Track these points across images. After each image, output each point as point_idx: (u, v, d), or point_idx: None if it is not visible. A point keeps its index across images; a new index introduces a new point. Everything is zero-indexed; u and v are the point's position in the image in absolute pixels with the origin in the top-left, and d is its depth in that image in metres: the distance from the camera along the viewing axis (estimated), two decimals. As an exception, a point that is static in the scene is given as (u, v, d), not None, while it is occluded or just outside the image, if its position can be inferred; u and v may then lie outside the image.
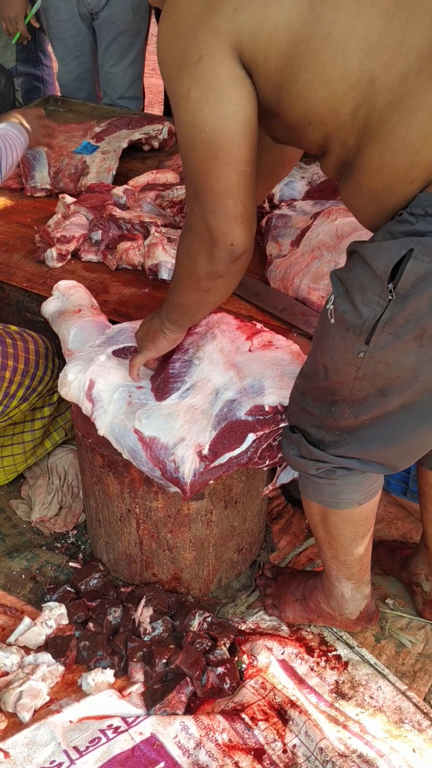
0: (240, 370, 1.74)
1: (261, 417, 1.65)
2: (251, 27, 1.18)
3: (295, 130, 1.30)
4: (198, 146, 1.26)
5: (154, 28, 4.03)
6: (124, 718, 1.65)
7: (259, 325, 1.91)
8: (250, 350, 1.80)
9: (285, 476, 1.84)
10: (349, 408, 1.40)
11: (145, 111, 4.25)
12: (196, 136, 1.25)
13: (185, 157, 1.31)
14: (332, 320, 1.33)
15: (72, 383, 1.75)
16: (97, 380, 1.74)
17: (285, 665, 1.80)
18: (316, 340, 1.43)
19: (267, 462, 1.71)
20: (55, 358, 2.05)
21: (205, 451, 1.62)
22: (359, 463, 1.48)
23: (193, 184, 1.32)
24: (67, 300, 2.02)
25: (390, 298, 1.22)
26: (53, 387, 2.07)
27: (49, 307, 2.04)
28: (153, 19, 3.88)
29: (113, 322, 2.00)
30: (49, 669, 1.75)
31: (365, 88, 1.16)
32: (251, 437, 1.64)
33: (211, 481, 1.67)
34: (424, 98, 1.12)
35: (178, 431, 1.64)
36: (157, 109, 5.39)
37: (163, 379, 1.74)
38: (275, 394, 1.67)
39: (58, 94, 3.94)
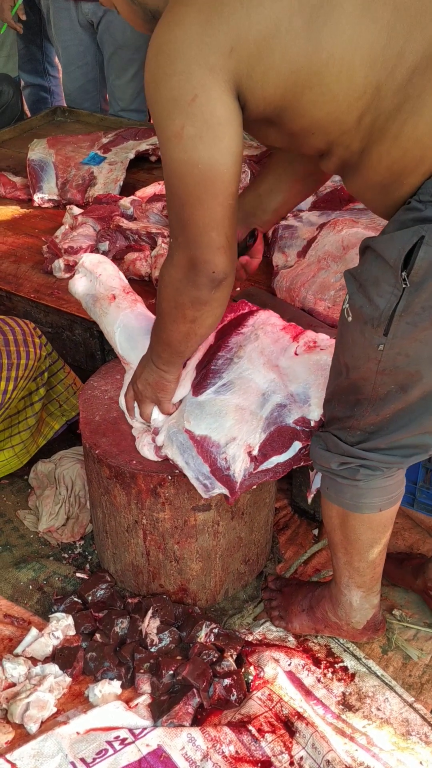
0: (285, 374, 1.75)
1: (306, 429, 1.68)
2: (248, 63, 1.20)
3: (295, 139, 1.34)
4: (188, 181, 1.28)
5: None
6: (131, 730, 1.65)
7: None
8: (296, 353, 1.80)
9: (319, 480, 1.84)
10: (371, 406, 1.43)
11: (152, 122, 4.27)
12: (186, 172, 1.27)
13: (172, 192, 1.32)
14: (349, 318, 1.37)
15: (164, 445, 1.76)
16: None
17: (292, 677, 1.80)
18: (337, 341, 1.47)
19: (301, 462, 1.73)
20: (35, 338, 2.07)
21: (255, 452, 1.65)
22: (381, 455, 1.50)
23: (179, 218, 1.34)
24: (97, 280, 1.96)
25: (404, 286, 1.25)
26: (40, 366, 2.10)
27: (78, 288, 1.98)
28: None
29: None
30: (56, 680, 1.75)
31: (371, 97, 1.20)
32: (297, 445, 1.67)
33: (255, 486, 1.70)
34: (430, 95, 1.17)
35: (228, 431, 1.66)
36: (164, 119, 5.40)
37: (204, 374, 1.76)
38: (320, 407, 1.69)
39: (66, 104, 3.96)
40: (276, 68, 1.20)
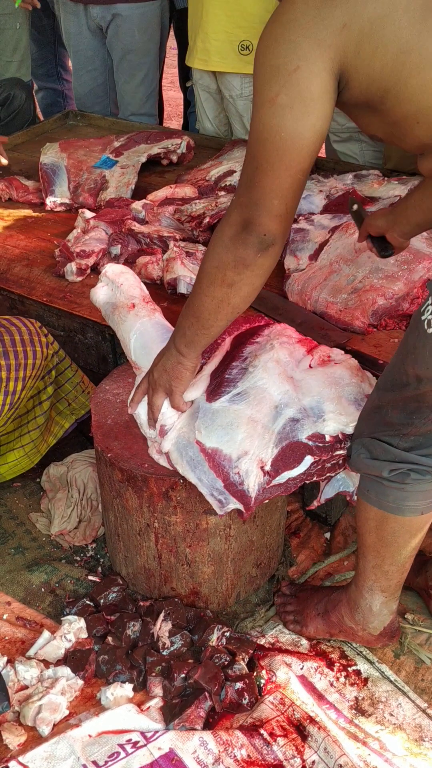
0: (299, 386, 1.74)
1: (321, 444, 1.67)
2: (357, 40, 1.23)
3: (399, 128, 1.34)
4: (268, 146, 1.32)
5: (172, 41, 4.07)
6: (143, 733, 1.65)
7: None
8: (310, 366, 1.80)
9: (330, 491, 1.83)
10: None
11: (164, 125, 4.28)
12: (269, 137, 1.31)
13: (251, 153, 1.36)
14: (430, 330, 1.36)
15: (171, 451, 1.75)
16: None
17: (304, 681, 1.80)
18: (406, 351, 1.45)
19: (314, 477, 1.72)
20: (41, 337, 2.08)
21: (267, 467, 1.64)
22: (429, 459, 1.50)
23: (250, 179, 1.37)
24: (118, 289, 1.97)
25: None
26: (47, 365, 2.10)
27: (99, 297, 2.00)
28: (172, 33, 3.91)
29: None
30: (68, 683, 1.76)
31: None
32: (309, 459, 1.66)
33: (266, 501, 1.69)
34: None
35: (240, 444, 1.65)
36: (176, 123, 5.42)
37: (218, 382, 1.76)
38: (335, 422, 1.67)
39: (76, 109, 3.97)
40: (385, 45, 1.22)
